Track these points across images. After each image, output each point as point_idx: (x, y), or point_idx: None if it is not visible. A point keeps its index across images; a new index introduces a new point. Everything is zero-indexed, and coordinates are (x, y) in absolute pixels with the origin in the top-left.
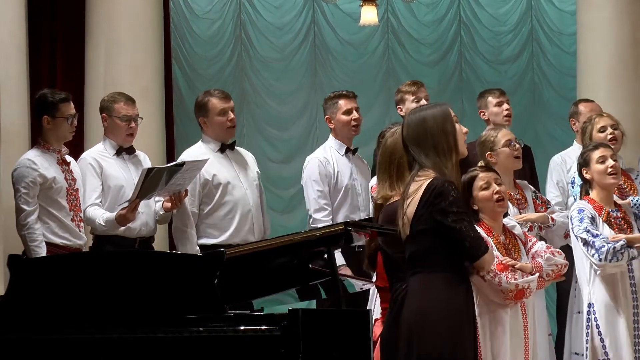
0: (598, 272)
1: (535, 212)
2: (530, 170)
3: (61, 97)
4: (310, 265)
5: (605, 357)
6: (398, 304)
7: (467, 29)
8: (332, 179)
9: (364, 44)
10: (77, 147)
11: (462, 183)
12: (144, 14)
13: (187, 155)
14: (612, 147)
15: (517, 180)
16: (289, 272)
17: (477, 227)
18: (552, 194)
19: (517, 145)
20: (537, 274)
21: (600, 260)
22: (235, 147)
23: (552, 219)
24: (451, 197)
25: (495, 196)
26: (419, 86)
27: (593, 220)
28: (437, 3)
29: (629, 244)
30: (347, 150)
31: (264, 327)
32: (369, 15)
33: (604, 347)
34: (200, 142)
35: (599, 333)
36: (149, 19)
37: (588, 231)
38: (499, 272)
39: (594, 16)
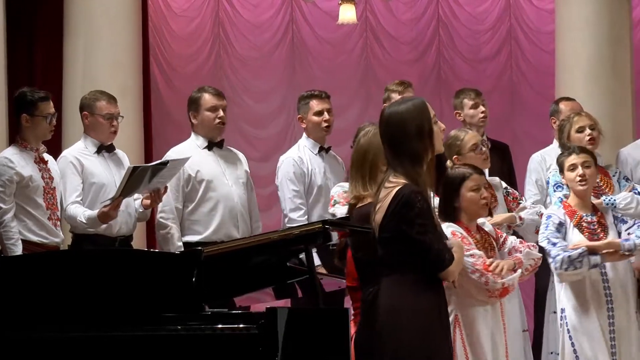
0: (557, 280)
1: (507, 209)
2: (508, 169)
3: (40, 96)
4: (288, 264)
5: None
6: (369, 305)
7: (445, 27)
8: (306, 178)
9: (343, 43)
10: (55, 145)
11: (452, 179)
12: (122, 11)
13: (175, 152)
14: (589, 149)
15: (489, 178)
16: (267, 271)
17: (457, 227)
18: (530, 192)
19: (484, 149)
20: (519, 270)
21: (556, 268)
22: (226, 146)
23: (520, 218)
24: (417, 208)
25: (482, 201)
26: (406, 86)
27: (561, 226)
28: (416, 1)
29: (592, 252)
30: (321, 149)
31: (241, 326)
32: (348, 13)
33: (574, 351)
34: (189, 140)
35: (570, 338)
36: (128, 16)
37: (548, 239)
38: (485, 272)
39: (572, 15)
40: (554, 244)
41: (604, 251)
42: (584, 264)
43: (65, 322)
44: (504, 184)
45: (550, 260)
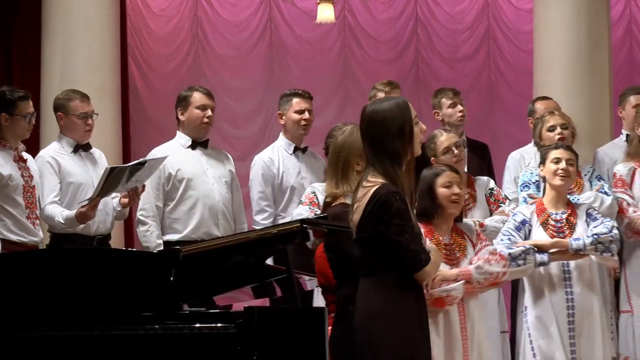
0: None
1: (489, 210)
2: (487, 169)
3: (20, 95)
4: (266, 263)
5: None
6: (346, 306)
7: (423, 26)
8: (276, 179)
9: (321, 42)
10: (33, 144)
11: (427, 177)
12: (100, 11)
13: (158, 151)
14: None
15: (477, 177)
16: (245, 270)
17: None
18: (509, 189)
19: (456, 152)
20: (461, 282)
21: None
22: (211, 146)
23: (482, 225)
24: (394, 208)
25: (453, 197)
26: (393, 86)
27: (523, 224)
28: (394, 1)
29: (540, 250)
30: (296, 149)
31: (219, 325)
32: (326, 13)
33: (532, 348)
34: (174, 139)
35: (529, 336)
36: (106, 16)
37: (501, 235)
38: None
39: (550, 14)
40: (501, 240)
41: (553, 250)
42: (527, 261)
43: (43, 322)
44: (492, 185)
45: None
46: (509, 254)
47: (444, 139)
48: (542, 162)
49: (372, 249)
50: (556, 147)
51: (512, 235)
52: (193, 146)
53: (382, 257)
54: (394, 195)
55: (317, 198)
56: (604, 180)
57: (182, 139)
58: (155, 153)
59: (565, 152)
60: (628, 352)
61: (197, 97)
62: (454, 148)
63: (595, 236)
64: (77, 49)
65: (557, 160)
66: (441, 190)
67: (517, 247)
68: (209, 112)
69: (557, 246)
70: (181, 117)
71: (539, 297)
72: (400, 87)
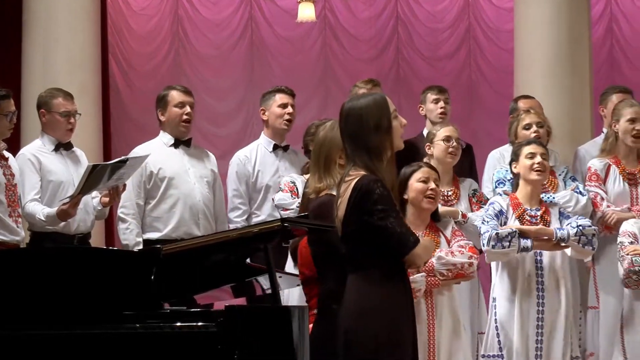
0: (486, 259)
1: (470, 210)
2: (469, 168)
3: (1, 94)
4: (247, 262)
5: (499, 353)
6: (329, 302)
7: (404, 25)
8: (250, 177)
9: (301, 41)
10: (14, 143)
11: (403, 174)
12: (81, 10)
13: (141, 149)
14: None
15: (462, 178)
16: (226, 269)
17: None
18: (488, 188)
19: (455, 144)
20: (422, 274)
21: (483, 245)
22: (194, 145)
23: (464, 215)
24: (376, 194)
25: (428, 192)
26: (374, 84)
27: (500, 214)
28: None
29: (523, 235)
30: (276, 147)
31: (200, 324)
32: (307, 11)
33: (499, 342)
34: (157, 137)
35: (496, 328)
36: (87, 15)
37: (482, 219)
38: None
39: (531, 13)
40: (486, 222)
41: (537, 237)
42: (512, 244)
43: (24, 321)
44: (476, 186)
45: (481, 238)
46: (497, 233)
47: (445, 129)
48: (515, 158)
49: (359, 243)
50: (528, 143)
51: (493, 219)
52: (175, 145)
53: (370, 252)
54: (374, 182)
55: (296, 188)
56: (577, 180)
57: (164, 138)
58: (137, 151)
59: (538, 147)
60: (594, 348)
61: (175, 95)
62: (454, 140)
63: (580, 227)
64: (57, 48)
65: (532, 155)
66: (417, 185)
67: (504, 229)
68: (188, 109)
69: (541, 233)
70: (162, 118)
71: (510, 290)
72: (380, 85)
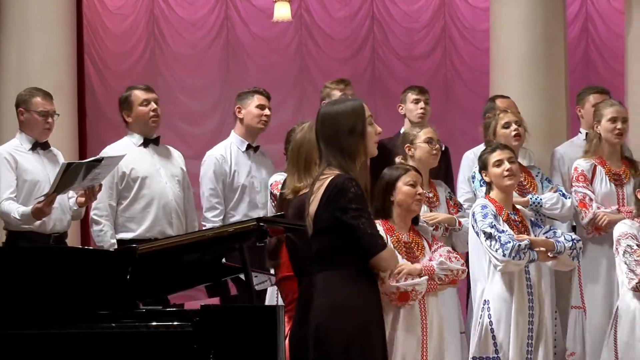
0: (498, 268)
1: (448, 213)
2: (446, 170)
3: None
4: (223, 261)
5: (495, 355)
6: (304, 301)
7: (379, 25)
8: (227, 177)
9: (277, 40)
10: None
11: (390, 175)
12: (57, 9)
13: (111, 149)
14: (513, 145)
15: (432, 180)
16: (201, 268)
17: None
18: (463, 189)
19: (437, 145)
20: (425, 277)
21: (504, 255)
22: (162, 144)
23: (459, 223)
24: (351, 193)
25: (417, 196)
26: (345, 84)
27: (496, 218)
28: None
29: (532, 246)
30: (248, 147)
31: (175, 323)
32: (282, 11)
33: (495, 344)
34: (126, 137)
35: (492, 330)
36: (62, 14)
37: (494, 226)
38: (381, 273)
39: (506, 13)
40: (502, 231)
41: (537, 249)
42: (527, 256)
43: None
44: (448, 189)
45: (497, 246)
46: (518, 245)
47: (425, 130)
48: (484, 167)
49: (330, 240)
50: (493, 150)
51: (502, 226)
52: (145, 144)
53: (341, 249)
54: (350, 181)
55: None
56: (552, 183)
57: (133, 138)
58: (107, 151)
59: (503, 152)
60: (575, 348)
61: (138, 94)
62: (435, 142)
63: (574, 241)
64: (33, 47)
65: (499, 163)
66: (406, 188)
67: (520, 239)
68: (154, 105)
69: (546, 246)
70: (128, 119)
71: (504, 290)
72: (351, 84)
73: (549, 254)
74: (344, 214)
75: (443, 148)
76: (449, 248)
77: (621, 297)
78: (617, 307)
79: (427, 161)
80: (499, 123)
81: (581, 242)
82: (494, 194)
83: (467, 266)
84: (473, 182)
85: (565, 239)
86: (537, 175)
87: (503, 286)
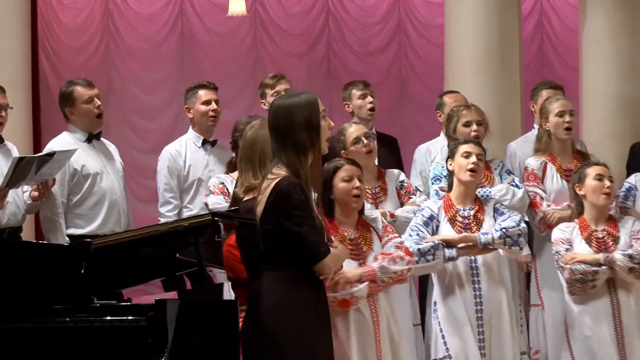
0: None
1: (400, 203)
2: (396, 162)
3: None
4: (177, 256)
5: (447, 354)
6: (254, 301)
7: (335, 20)
8: (182, 171)
9: (232, 35)
10: None
11: (326, 171)
12: (11, 3)
13: (54, 145)
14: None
15: (388, 170)
16: (156, 263)
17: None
18: (414, 183)
19: (366, 141)
20: (365, 284)
21: None
22: (101, 138)
23: (392, 215)
24: (294, 199)
25: (354, 191)
26: (278, 79)
27: (431, 219)
28: None
29: (449, 245)
30: (205, 142)
31: (130, 318)
32: (237, 5)
33: (445, 343)
34: (65, 133)
35: (441, 330)
36: (16, 8)
37: (410, 229)
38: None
39: (461, 8)
40: (411, 236)
41: (461, 245)
42: (436, 256)
43: None
44: (403, 177)
45: None
46: (418, 249)
47: (353, 130)
48: (451, 156)
49: (274, 242)
50: (466, 142)
51: (420, 231)
52: (89, 140)
53: (284, 250)
54: (294, 186)
55: (227, 189)
56: (513, 174)
57: (76, 133)
58: (51, 146)
59: (475, 147)
60: (539, 346)
61: (80, 92)
62: (363, 138)
63: (503, 230)
64: None
65: (467, 155)
66: (341, 185)
67: (426, 242)
68: (97, 102)
69: (466, 241)
70: (71, 116)
71: (448, 293)
72: (286, 78)
73: (479, 248)
74: (287, 221)
75: (375, 136)
76: (400, 240)
77: (566, 300)
78: (567, 307)
79: (363, 161)
80: (460, 120)
81: (519, 229)
82: (454, 187)
83: None
84: (432, 181)
85: (495, 229)
86: (496, 168)
87: (446, 287)
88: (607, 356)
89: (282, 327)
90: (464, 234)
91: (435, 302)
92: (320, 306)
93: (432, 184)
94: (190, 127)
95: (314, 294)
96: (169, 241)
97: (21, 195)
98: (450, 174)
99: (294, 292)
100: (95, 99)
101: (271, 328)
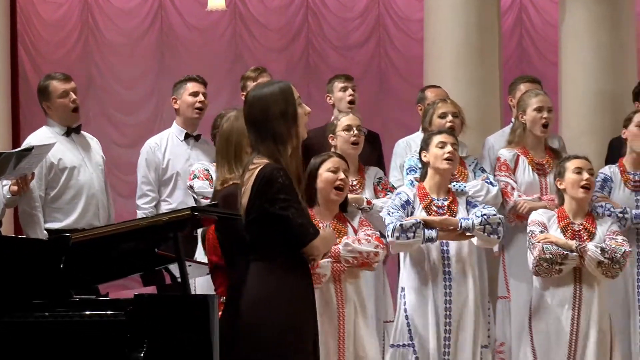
0: (391, 250)
1: (376, 198)
2: (377, 157)
3: None
4: (156, 250)
5: (410, 342)
6: (235, 292)
7: (314, 15)
8: (160, 165)
9: (211, 29)
10: None
11: (314, 162)
12: None
13: (33, 139)
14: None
15: (367, 167)
16: (135, 257)
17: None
18: (394, 177)
19: (356, 132)
20: (328, 260)
21: (388, 236)
22: (81, 132)
23: (369, 202)
24: (278, 183)
25: (337, 182)
26: (260, 72)
27: (407, 204)
28: None
29: (428, 225)
30: (188, 136)
31: (109, 312)
32: (216, 0)
33: (409, 331)
34: (44, 127)
35: (406, 317)
36: None
37: (388, 210)
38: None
39: (440, 2)
40: (391, 213)
41: (441, 227)
42: (416, 235)
43: None
44: (381, 174)
45: (385, 229)
46: (401, 225)
47: (347, 118)
48: (425, 147)
49: (261, 231)
50: (440, 132)
51: (399, 212)
52: (67, 134)
53: (272, 240)
54: (278, 171)
55: (211, 175)
56: (487, 172)
57: (55, 127)
58: (30, 141)
59: (449, 137)
60: (504, 338)
61: (56, 85)
62: (355, 128)
63: (484, 216)
64: None
65: (442, 145)
66: (326, 174)
67: (408, 219)
68: (73, 96)
69: (446, 223)
70: (48, 110)
71: (418, 280)
72: (267, 71)
73: (457, 232)
74: (272, 206)
75: (366, 132)
76: (373, 231)
77: (533, 287)
78: (532, 297)
79: (347, 150)
80: (436, 112)
81: (499, 218)
82: (428, 178)
83: None
84: (407, 172)
85: (475, 215)
86: (470, 165)
87: (416, 274)
88: (562, 349)
89: (270, 318)
90: (445, 216)
91: (402, 288)
92: (309, 293)
93: (407, 174)
94: (175, 120)
95: (304, 283)
96: (148, 236)
97: (0, 189)
98: (424, 165)
99: (283, 282)
100: (71, 93)
101: (258, 320)
